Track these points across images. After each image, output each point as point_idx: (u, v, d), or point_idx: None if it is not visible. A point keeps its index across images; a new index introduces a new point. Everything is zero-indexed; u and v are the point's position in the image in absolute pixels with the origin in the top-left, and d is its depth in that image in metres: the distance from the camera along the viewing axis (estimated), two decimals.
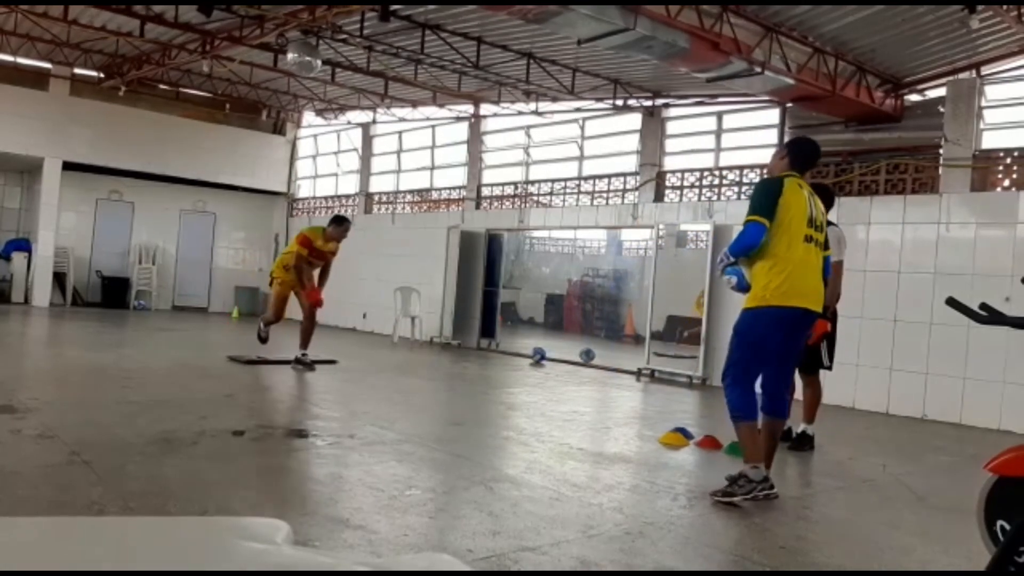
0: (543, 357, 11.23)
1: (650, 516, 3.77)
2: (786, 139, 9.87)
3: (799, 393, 5.60)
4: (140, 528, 1.19)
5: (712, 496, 4.07)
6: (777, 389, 4.26)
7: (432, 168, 14.96)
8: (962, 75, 8.42)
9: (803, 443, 5.70)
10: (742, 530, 3.71)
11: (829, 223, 4.67)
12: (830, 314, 5.57)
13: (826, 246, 4.28)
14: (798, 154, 4.31)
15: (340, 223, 8.81)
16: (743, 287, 4.24)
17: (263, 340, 8.99)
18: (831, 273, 4.29)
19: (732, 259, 4.20)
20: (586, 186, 12.14)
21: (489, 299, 13.01)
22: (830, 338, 5.77)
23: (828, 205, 5.51)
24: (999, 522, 2.94)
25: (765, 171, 9.01)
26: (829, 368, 5.87)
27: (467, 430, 5.81)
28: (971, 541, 3.17)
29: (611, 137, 12.19)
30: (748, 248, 4.06)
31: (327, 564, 1.08)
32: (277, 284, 8.75)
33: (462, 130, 14.28)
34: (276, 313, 8.86)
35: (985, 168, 8.20)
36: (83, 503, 3.28)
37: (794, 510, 4.02)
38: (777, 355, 4.17)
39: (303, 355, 8.48)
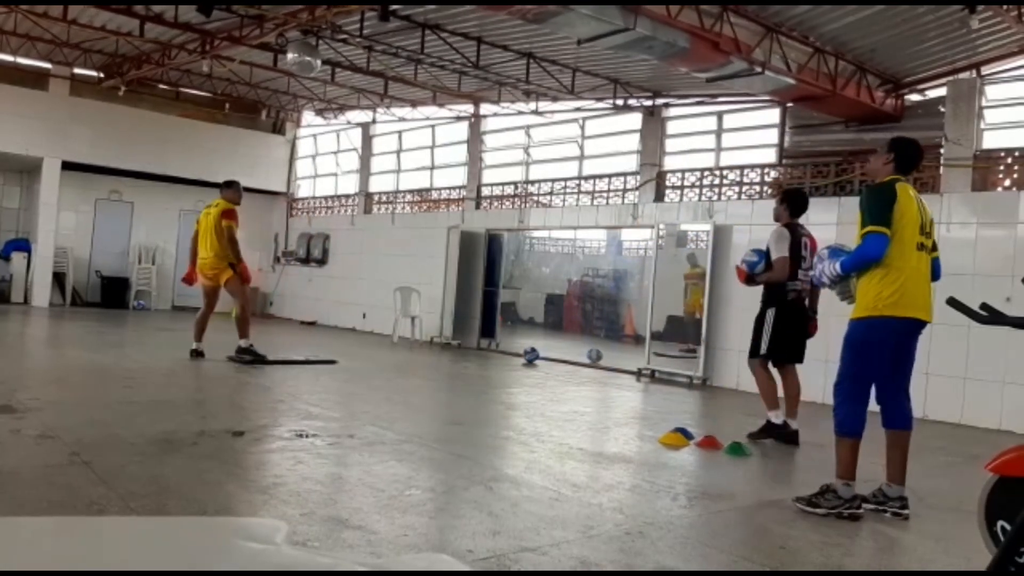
0: (537, 357, 11.16)
1: (650, 516, 3.77)
2: (786, 140, 9.89)
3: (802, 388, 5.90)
4: (140, 528, 1.19)
5: (795, 501, 3.99)
6: (897, 400, 4.10)
7: (432, 168, 14.95)
8: (962, 75, 8.42)
9: (774, 434, 5.88)
10: (742, 530, 3.71)
11: None
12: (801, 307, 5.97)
13: (933, 248, 4.17)
14: (904, 155, 4.13)
15: (234, 184, 8.47)
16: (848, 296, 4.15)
17: (257, 357, 8.39)
18: (939, 275, 4.20)
19: (844, 274, 4.03)
20: (586, 186, 12.14)
21: (489, 299, 13.00)
22: (782, 326, 5.88)
23: (802, 210, 6.17)
24: (1000, 522, 2.94)
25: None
26: (768, 356, 5.98)
27: (467, 430, 5.81)
28: (971, 541, 3.17)
29: (611, 137, 12.19)
30: (871, 262, 3.90)
31: (327, 564, 1.08)
32: (207, 280, 8.39)
33: (462, 130, 14.28)
34: (212, 308, 8.56)
35: (986, 168, 8.20)
36: (83, 503, 3.28)
37: (794, 510, 4.02)
38: (891, 366, 4.03)
39: (249, 345, 8.21)
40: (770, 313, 5.89)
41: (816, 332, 6.01)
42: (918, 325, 4.00)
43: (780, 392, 5.98)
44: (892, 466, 4.04)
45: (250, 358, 8.26)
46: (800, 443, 5.78)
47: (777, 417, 5.86)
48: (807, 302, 5.98)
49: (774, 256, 5.87)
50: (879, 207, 3.89)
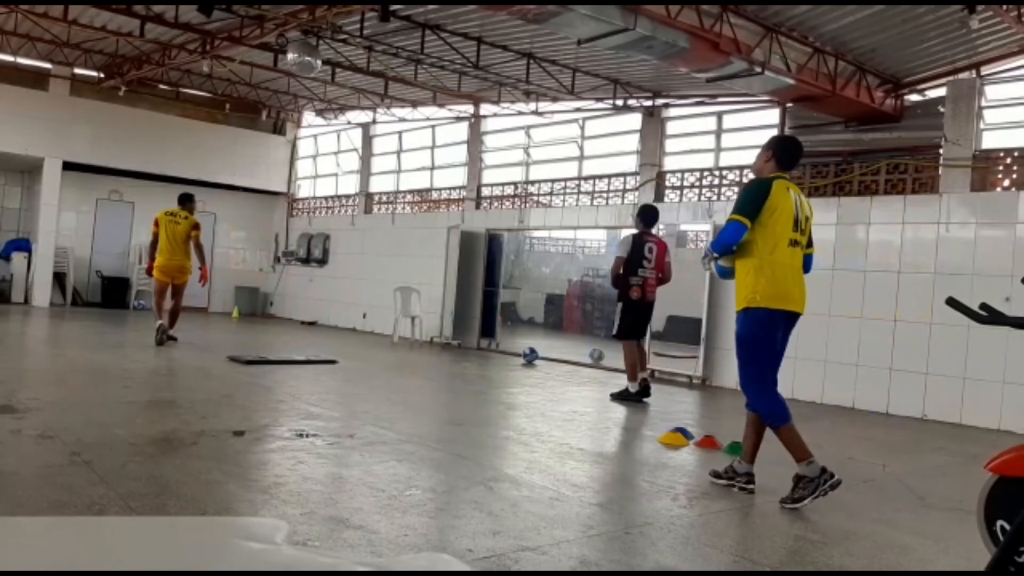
0: (536, 357, 11.14)
1: (650, 516, 3.77)
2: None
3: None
4: (140, 528, 1.20)
5: (782, 504, 4.05)
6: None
7: (432, 168, 14.95)
8: (962, 75, 8.42)
9: (628, 397, 7.66)
10: (742, 530, 3.71)
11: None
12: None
13: (809, 244, 4.39)
14: (783, 153, 4.37)
15: (193, 196, 10.12)
16: (723, 273, 4.43)
17: (166, 337, 9.49)
18: (810, 269, 4.43)
19: (716, 255, 4.33)
20: (586, 186, 12.14)
21: (489, 299, 13.00)
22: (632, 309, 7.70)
23: (655, 220, 7.99)
24: (999, 522, 2.94)
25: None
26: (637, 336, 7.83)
27: (467, 430, 5.81)
28: (971, 541, 3.17)
29: (611, 137, 12.19)
30: (727, 245, 4.19)
31: (327, 564, 1.09)
32: (175, 279, 9.63)
33: (462, 130, 14.28)
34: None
35: (985, 168, 8.20)
36: (83, 503, 3.28)
37: (794, 510, 4.02)
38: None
39: (172, 336, 9.59)
40: (619, 305, 7.75)
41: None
42: (791, 317, 4.21)
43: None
44: (747, 444, 4.31)
45: (169, 341, 9.60)
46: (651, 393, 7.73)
47: (633, 387, 7.67)
48: (654, 292, 7.81)
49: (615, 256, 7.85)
50: (749, 200, 4.17)
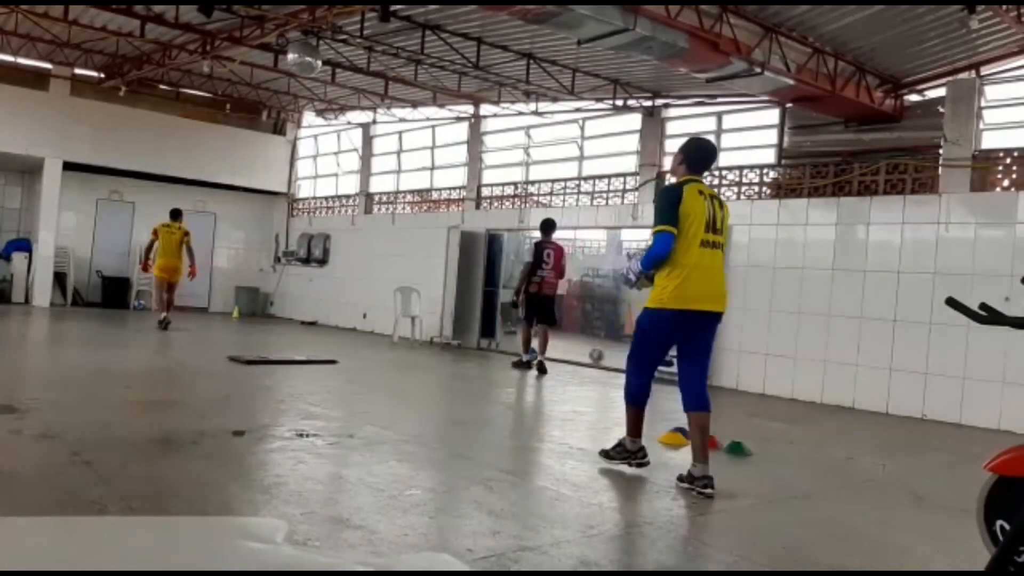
0: (536, 358, 11.08)
1: (650, 516, 3.77)
2: (785, 141, 9.89)
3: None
4: (140, 528, 1.20)
5: (599, 455, 4.72)
6: (695, 387, 4.42)
7: (432, 168, 14.95)
8: (962, 75, 8.41)
9: (538, 369, 9.60)
10: (742, 530, 3.71)
11: None
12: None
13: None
14: (694, 157, 4.52)
15: (181, 211, 12.50)
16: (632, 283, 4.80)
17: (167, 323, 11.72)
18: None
19: (649, 272, 4.43)
20: (586, 186, 12.14)
21: (489, 299, 13.00)
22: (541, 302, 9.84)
23: (552, 230, 10.11)
24: (999, 522, 2.94)
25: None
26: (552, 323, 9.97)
27: (467, 430, 5.81)
28: (971, 541, 3.17)
29: (611, 137, 12.18)
30: (660, 258, 4.30)
31: (327, 564, 1.09)
32: (171, 277, 12.03)
33: (462, 130, 14.28)
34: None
35: (985, 168, 8.20)
36: (84, 503, 3.28)
37: (794, 510, 4.03)
38: (686, 353, 4.46)
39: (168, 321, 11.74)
40: (522, 296, 9.87)
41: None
42: (705, 316, 4.36)
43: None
44: (695, 447, 4.36)
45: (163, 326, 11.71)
46: (548, 372, 9.57)
47: (526, 356, 9.94)
48: (552, 287, 9.98)
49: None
50: (665, 208, 4.29)
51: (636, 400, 4.57)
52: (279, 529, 1.06)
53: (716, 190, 10.42)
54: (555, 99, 11.91)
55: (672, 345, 4.53)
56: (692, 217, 4.26)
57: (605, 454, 4.71)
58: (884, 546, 3.57)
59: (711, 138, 10.78)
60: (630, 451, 4.59)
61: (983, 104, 8.36)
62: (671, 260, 4.27)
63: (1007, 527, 2.87)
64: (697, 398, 4.39)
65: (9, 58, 13.98)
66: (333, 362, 9.20)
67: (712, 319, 4.40)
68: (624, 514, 3.77)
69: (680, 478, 4.35)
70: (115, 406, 5.64)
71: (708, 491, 4.15)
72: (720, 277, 4.43)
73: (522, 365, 9.93)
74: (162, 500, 3.43)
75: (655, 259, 4.32)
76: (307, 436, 4.94)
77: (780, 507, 4.07)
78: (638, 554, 3.19)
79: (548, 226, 10.08)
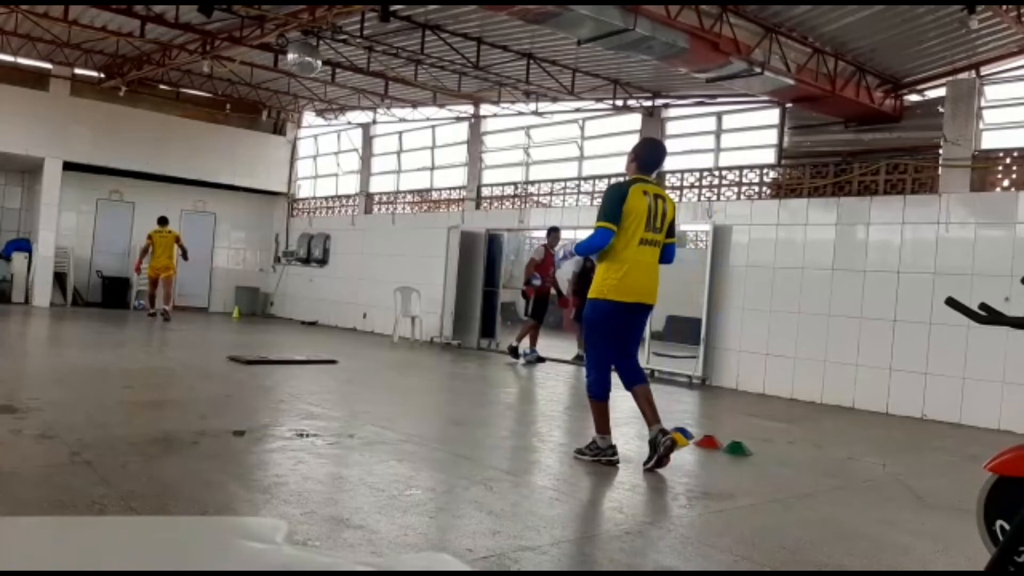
0: (536, 357, 11.10)
1: (650, 516, 3.77)
2: (785, 141, 9.90)
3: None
4: (140, 528, 1.20)
5: (574, 454, 4.81)
6: (628, 365, 4.81)
7: (432, 168, 14.95)
8: (962, 75, 8.42)
9: (515, 355, 10.94)
10: (742, 530, 3.71)
11: None
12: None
13: (670, 234, 4.78)
14: (646, 156, 4.82)
15: (167, 219, 14.26)
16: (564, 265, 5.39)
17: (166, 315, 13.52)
18: (671, 259, 4.89)
19: (574, 255, 5.11)
20: (586, 186, 12.14)
21: (489, 299, 13.00)
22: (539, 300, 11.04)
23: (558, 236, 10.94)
24: (999, 522, 2.94)
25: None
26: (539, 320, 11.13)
27: (467, 430, 5.81)
28: (971, 541, 3.18)
29: (611, 137, 12.19)
30: (593, 250, 4.67)
31: (327, 564, 1.09)
32: (162, 274, 13.74)
33: (462, 130, 14.28)
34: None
35: (984, 168, 8.20)
36: (84, 503, 3.28)
37: (794, 510, 4.03)
38: (619, 339, 4.76)
39: (165, 310, 13.55)
40: (524, 295, 11.33)
41: (568, 306, 12.06)
42: (640, 307, 4.71)
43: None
44: (645, 414, 4.70)
45: (165, 318, 13.53)
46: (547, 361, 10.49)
47: (523, 348, 10.95)
48: (550, 289, 11.25)
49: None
50: (609, 205, 4.59)
51: (597, 395, 4.75)
52: (279, 529, 1.06)
53: (716, 190, 10.44)
54: (555, 99, 11.91)
55: (619, 333, 4.75)
56: (634, 216, 4.55)
57: (579, 453, 4.81)
58: (884, 546, 3.57)
59: (711, 138, 10.83)
60: (600, 448, 4.73)
61: (983, 104, 8.37)
62: (612, 255, 4.58)
63: (1007, 527, 2.87)
64: (633, 372, 4.79)
65: (9, 58, 13.99)
66: (333, 362, 9.20)
67: (645, 310, 4.77)
68: (624, 514, 3.77)
69: (653, 445, 4.60)
70: (115, 406, 5.64)
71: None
72: (655, 273, 4.73)
73: (532, 360, 10.86)
74: (162, 500, 3.43)
75: (589, 249, 4.71)
76: (307, 436, 4.94)
77: (780, 507, 4.07)
78: (638, 554, 3.19)
79: (554, 232, 11.17)
